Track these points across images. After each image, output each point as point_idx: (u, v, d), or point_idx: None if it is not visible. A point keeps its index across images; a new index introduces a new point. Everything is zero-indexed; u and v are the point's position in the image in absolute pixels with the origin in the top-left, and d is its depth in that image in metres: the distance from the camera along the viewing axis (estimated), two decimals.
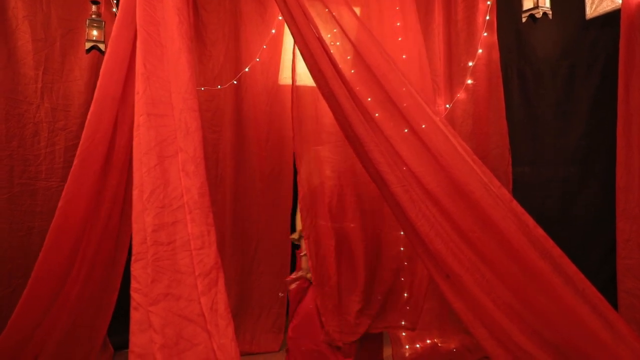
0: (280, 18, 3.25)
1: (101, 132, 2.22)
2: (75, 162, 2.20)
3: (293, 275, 2.68)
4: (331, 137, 2.67)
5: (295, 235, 2.75)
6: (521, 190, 3.05)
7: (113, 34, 2.16)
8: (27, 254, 2.82)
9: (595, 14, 2.90)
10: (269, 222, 3.38)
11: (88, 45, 2.81)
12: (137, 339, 1.58)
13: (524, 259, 1.95)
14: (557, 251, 1.95)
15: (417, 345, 3.03)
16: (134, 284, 1.63)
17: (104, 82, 2.19)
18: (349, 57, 2.18)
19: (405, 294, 2.62)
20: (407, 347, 2.99)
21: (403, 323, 2.63)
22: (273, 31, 3.29)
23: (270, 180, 3.37)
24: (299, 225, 2.72)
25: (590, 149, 3.01)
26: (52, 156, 2.92)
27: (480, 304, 2.00)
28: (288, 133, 3.18)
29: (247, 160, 3.37)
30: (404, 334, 3.10)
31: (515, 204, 2.00)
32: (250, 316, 3.32)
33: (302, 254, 2.68)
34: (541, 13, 2.76)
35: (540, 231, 1.97)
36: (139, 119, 1.77)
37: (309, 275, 2.58)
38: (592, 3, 2.90)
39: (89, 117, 2.20)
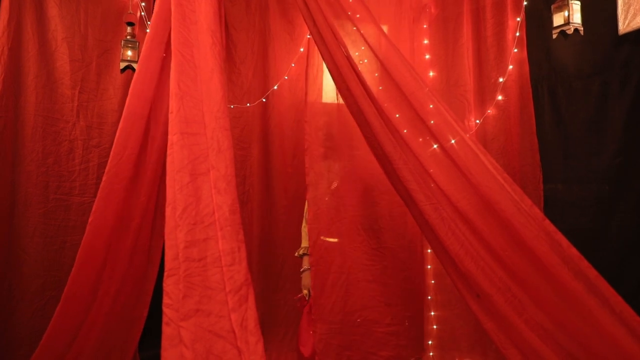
0: (308, 37, 3.29)
1: (129, 150, 2.27)
2: (104, 178, 2.24)
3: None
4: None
5: (299, 252, 2.75)
6: (553, 209, 2.99)
7: (143, 54, 2.22)
8: (60, 268, 2.89)
9: (629, 29, 2.84)
10: (295, 240, 3.38)
11: (123, 65, 2.91)
12: (168, 354, 1.59)
13: (557, 279, 1.90)
14: (592, 272, 1.89)
15: None
16: (166, 300, 1.65)
17: (132, 100, 2.24)
18: (376, 75, 2.19)
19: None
20: None
21: None
22: (301, 49, 3.33)
23: (296, 197, 3.36)
24: (304, 241, 2.73)
25: (625, 167, 2.93)
26: (86, 172, 3.01)
27: (512, 325, 1.96)
28: None
29: (274, 177, 3.39)
30: (431, 353, 3.04)
31: (547, 222, 1.96)
32: (276, 335, 3.30)
33: (301, 270, 2.67)
34: (572, 29, 2.73)
35: (574, 251, 1.92)
36: (173, 137, 1.81)
37: (305, 292, 2.57)
38: (625, 18, 2.85)
39: (117, 134, 2.25)
